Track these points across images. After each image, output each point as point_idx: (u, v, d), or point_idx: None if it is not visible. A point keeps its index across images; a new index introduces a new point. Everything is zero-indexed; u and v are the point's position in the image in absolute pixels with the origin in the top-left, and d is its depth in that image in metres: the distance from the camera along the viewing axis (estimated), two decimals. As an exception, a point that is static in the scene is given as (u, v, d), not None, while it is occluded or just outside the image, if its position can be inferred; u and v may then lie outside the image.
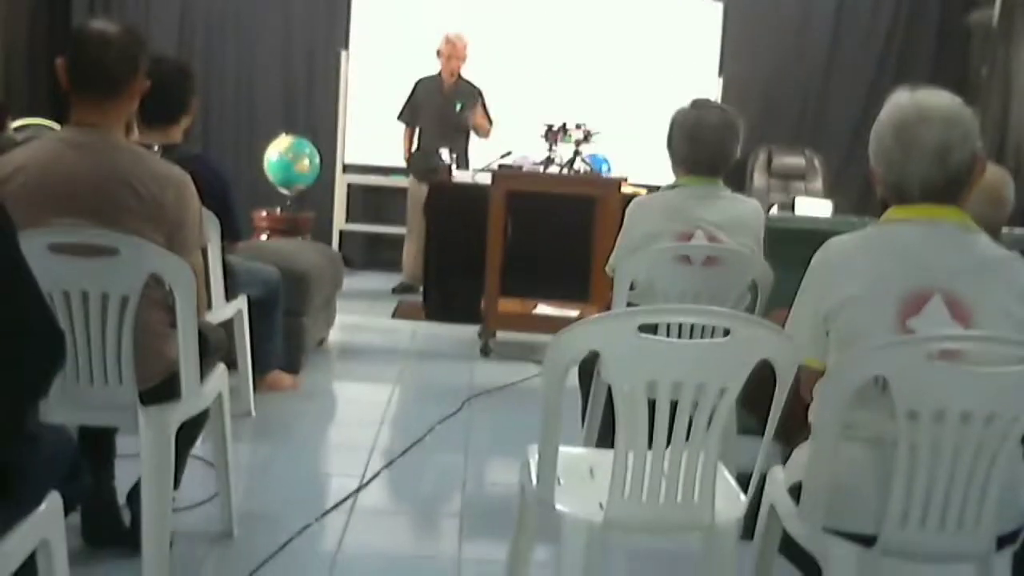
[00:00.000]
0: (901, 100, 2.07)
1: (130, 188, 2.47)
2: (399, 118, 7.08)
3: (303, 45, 8.14)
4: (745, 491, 2.18)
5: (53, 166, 2.47)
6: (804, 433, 2.09)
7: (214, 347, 2.82)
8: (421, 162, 6.93)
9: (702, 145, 3.20)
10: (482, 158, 6.50)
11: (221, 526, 3.03)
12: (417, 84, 7.03)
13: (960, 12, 7.94)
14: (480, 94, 7.00)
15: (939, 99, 2.05)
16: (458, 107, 6.88)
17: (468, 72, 7.05)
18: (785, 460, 2.24)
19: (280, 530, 3.07)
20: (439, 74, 6.98)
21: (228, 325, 3.90)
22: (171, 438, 2.57)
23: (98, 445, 2.85)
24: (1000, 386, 1.87)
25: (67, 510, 1.93)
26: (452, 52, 6.89)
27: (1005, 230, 3.04)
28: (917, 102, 2.05)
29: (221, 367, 2.90)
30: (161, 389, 2.56)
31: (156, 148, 3.24)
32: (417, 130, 7.06)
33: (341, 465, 3.86)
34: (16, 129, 5.08)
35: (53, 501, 1.89)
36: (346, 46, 7.91)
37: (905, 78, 2.25)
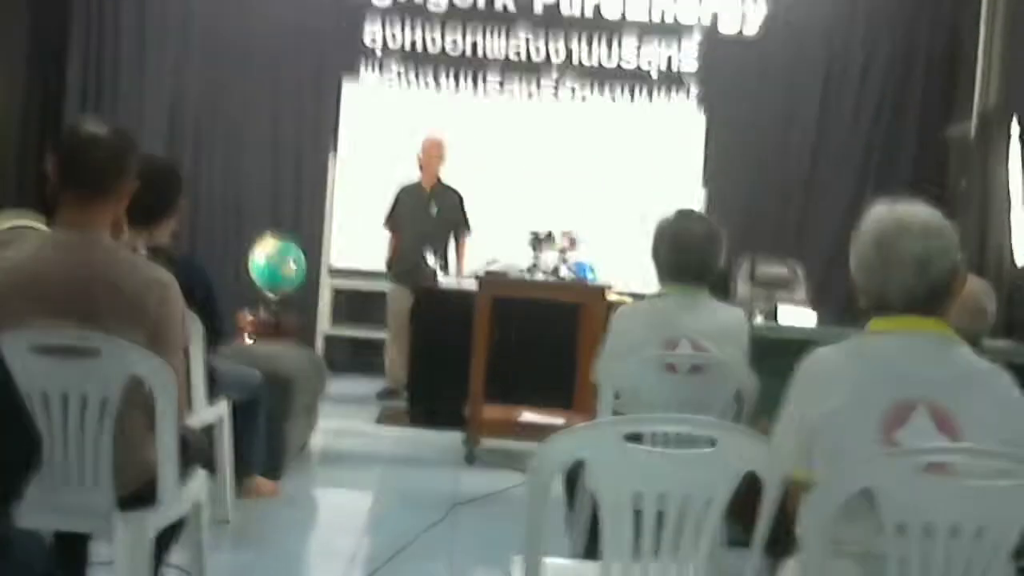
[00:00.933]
0: (881, 213, 2.10)
1: (114, 289, 2.46)
2: (384, 224, 7.15)
3: (292, 147, 8.19)
4: (733, 605, 2.14)
5: (35, 266, 2.47)
6: (793, 546, 2.06)
7: (194, 451, 2.78)
8: (401, 267, 6.98)
9: (687, 254, 3.23)
10: (468, 265, 6.54)
11: (196, 637, 2.95)
12: (400, 191, 7.11)
13: (938, 126, 8.11)
14: (460, 198, 7.07)
15: (918, 212, 2.08)
16: (435, 210, 6.94)
17: (455, 179, 7.13)
18: (772, 575, 2.20)
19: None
20: (419, 181, 7.07)
21: (209, 429, 3.86)
22: (148, 545, 2.51)
23: (72, 552, 2.78)
24: (989, 499, 1.86)
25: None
26: (427, 149, 6.98)
27: (987, 341, 3.05)
28: (896, 215, 2.07)
29: (201, 472, 2.86)
30: (139, 495, 2.51)
31: (143, 251, 3.25)
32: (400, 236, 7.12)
33: (322, 574, 3.77)
34: (3, 230, 5.07)
35: (23, 610, 1.84)
36: (335, 149, 8.01)
37: (885, 190, 2.28)
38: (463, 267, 6.99)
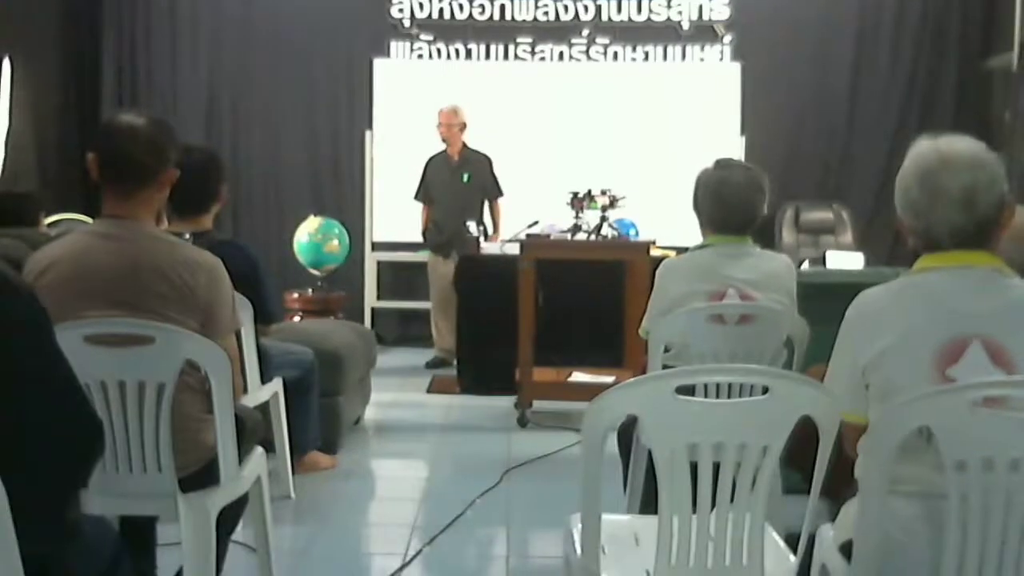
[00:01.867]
0: (923, 149, 2.07)
1: (162, 276, 2.49)
2: (415, 198, 7.17)
3: (328, 127, 8.28)
4: (794, 552, 2.14)
5: (85, 258, 2.50)
6: (851, 489, 2.05)
7: (251, 431, 2.82)
8: (435, 236, 7.01)
9: (729, 204, 3.20)
10: (510, 229, 6.54)
11: (265, 611, 3.01)
12: (428, 162, 7.13)
13: (978, 58, 7.96)
14: (489, 161, 7.06)
15: (962, 145, 2.04)
16: (465, 177, 6.94)
17: (491, 146, 7.12)
18: (833, 518, 2.19)
19: (324, 613, 3.04)
20: (445, 151, 7.06)
21: (264, 408, 3.90)
22: (212, 524, 2.56)
23: (139, 534, 2.83)
24: (1049, 431, 1.83)
25: (111, 601, 1.92)
26: (446, 120, 6.98)
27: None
28: (939, 149, 2.04)
29: (259, 450, 2.90)
30: (200, 475, 2.56)
31: (187, 236, 3.28)
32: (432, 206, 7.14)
33: (382, 544, 3.83)
34: (49, 225, 5.16)
35: (96, 593, 1.88)
36: (370, 126, 8.02)
37: (927, 126, 2.25)
38: (499, 230, 6.99)
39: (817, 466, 2.00)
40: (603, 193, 5.60)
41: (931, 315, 2.00)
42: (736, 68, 7.98)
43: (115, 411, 2.47)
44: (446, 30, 8.08)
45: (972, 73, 8.01)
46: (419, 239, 7.37)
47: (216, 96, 8.23)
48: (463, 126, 7.00)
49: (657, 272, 3.30)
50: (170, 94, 8.15)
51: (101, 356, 2.44)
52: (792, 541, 2.15)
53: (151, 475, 2.50)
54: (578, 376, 5.73)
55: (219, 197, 3.69)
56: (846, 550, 2.02)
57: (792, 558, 2.14)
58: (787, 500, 2.81)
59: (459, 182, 6.96)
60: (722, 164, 3.29)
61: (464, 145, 7.03)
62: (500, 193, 7.09)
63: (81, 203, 6.48)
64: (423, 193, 7.15)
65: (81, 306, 2.45)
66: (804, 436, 1.97)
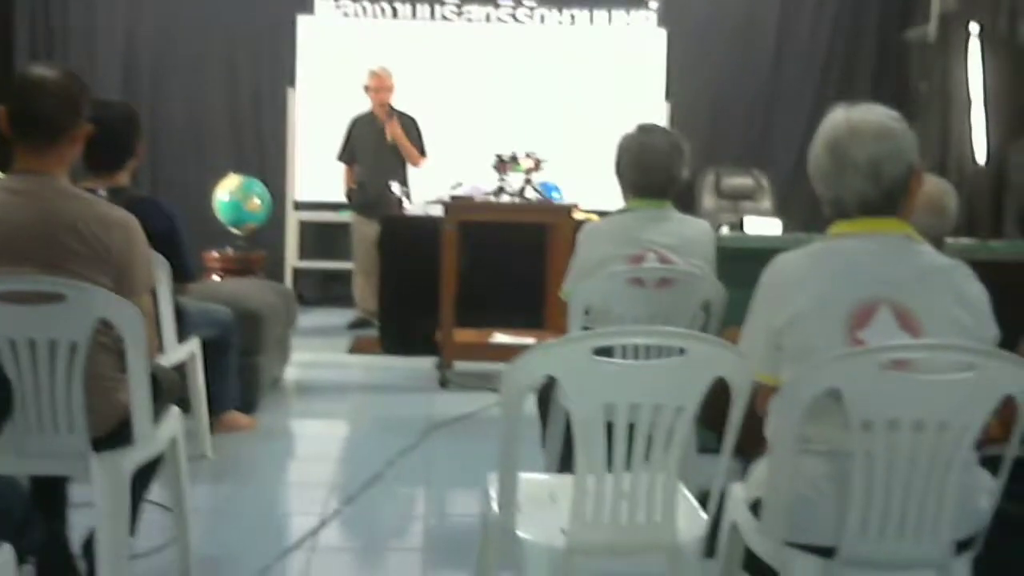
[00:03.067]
0: (836, 118, 2.11)
1: (75, 232, 2.44)
2: (338, 158, 7.10)
3: (249, 84, 8.15)
4: (706, 509, 2.18)
5: (-6, 214, 2.44)
6: (762, 449, 2.10)
7: (167, 390, 2.78)
8: (360, 197, 6.97)
9: (650, 169, 3.22)
10: (432, 190, 6.51)
11: (180, 571, 2.98)
12: (352, 122, 7.06)
13: (898, 29, 8.10)
14: (415, 123, 7.02)
15: (871, 114, 2.08)
16: (389, 139, 6.88)
17: (415, 107, 7.06)
18: (744, 477, 2.25)
19: (240, 572, 3.04)
20: (371, 111, 6.99)
21: (182, 368, 3.86)
22: (126, 484, 2.53)
23: (50, 495, 2.79)
24: (951, 393, 1.89)
25: (20, 562, 1.89)
26: (379, 85, 6.90)
27: (949, 240, 3.09)
28: (849, 119, 2.08)
29: (175, 410, 2.87)
30: (114, 435, 2.52)
31: (102, 192, 3.21)
32: (356, 167, 7.07)
33: (301, 504, 3.82)
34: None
35: (5, 553, 1.85)
36: (293, 84, 7.91)
37: (846, 96, 2.28)
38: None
39: (729, 426, 2.04)
40: (527, 156, 5.60)
41: (843, 279, 2.04)
42: (662, 34, 8.02)
43: (25, 370, 2.42)
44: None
45: (891, 44, 8.16)
46: (342, 199, 7.30)
47: (135, 50, 8.02)
48: (391, 89, 6.94)
49: (578, 235, 3.32)
50: (86, 47, 7.92)
51: (11, 314, 2.38)
52: (705, 499, 2.19)
53: (63, 435, 2.46)
54: (499, 337, 5.75)
55: (135, 153, 3.62)
56: (756, 508, 2.08)
57: (704, 515, 2.18)
58: (701, 459, 2.86)
59: (384, 143, 6.90)
60: (644, 129, 3.30)
61: (390, 106, 6.96)
62: (424, 155, 7.05)
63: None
64: (347, 153, 7.09)
65: (-11, 262, 2.39)
66: (718, 397, 2.01)
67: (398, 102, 6.99)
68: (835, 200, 2.10)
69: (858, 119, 2.07)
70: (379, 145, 6.90)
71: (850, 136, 2.06)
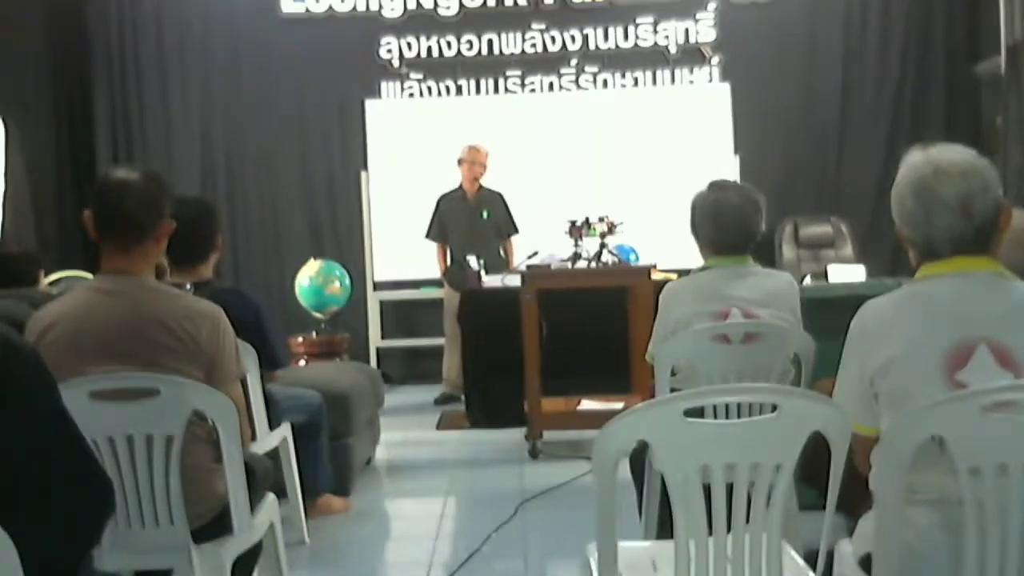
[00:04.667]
0: (916, 160, 2.07)
1: (164, 328, 2.49)
2: (428, 237, 7.17)
3: (323, 170, 8.30)
4: (814, 568, 2.12)
5: (87, 315, 2.51)
6: (867, 502, 2.04)
7: (262, 478, 2.81)
8: (458, 274, 7.00)
9: (725, 226, 3.20)
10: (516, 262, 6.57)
11: (285, 659, 2.98)
12: (440, 200, 7.14)
13: (966, 64, 7.99)
14: (503, 199, 7.09)
15: (953, 153, 2.05)
16: (485, 215, 6.96)
17: (487, 178, 7.15)
18: (851, 532, 2.18)
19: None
20: (460, 187, 7.07)
21: (274, 454, 3.89)
22: (227, 574, 2.55)
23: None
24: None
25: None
26: (475, 159, 7.02)
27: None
28: (931, 159, 2.05)
29: (271, 497, 2.89)
30: (213, 525, 2.55)
31: (188, 287, 3.29)
32: (448, 245, 7.14)
33: (400, 584, 3.80)
34: (50, 283, 5.17)
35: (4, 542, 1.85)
36: (365, 166, 8.05)
37: (918, 135, 2.26)
38: (511, 266, 6.99)
39: (831, 481, 1.99)
40: (601, 220, 5.60)
41: (936, 321, 1.99)
42: (726, 88, 8.02)
43: (124, 466, 2.46)
44: (435, 67, 8.14)
45: (961, 79, 8.04)
46: (420, 276, 7.36)
47: (210, 145, 8.25)
48: (486, 167, 7.05)
49: (660, 296, 3.30)
50: (164, 148, 8.17)
51: (107, 411, 2.43)
52: (811, 558, 2.13)
53: (163, 528, 2.49)
54: (587, 404, 5.71)
55: (216, 246, 3.71)
56: (866, 564, 2.01)
57: (812, 575, 2.12)
58: (804, 517, 2.79)
59: (478, 219, 6.98)
60: (717, 186, 3.29)
61: (480, 184, 7.06)
62: (515, 230, 7.13)
63: (81, 260, 6.49)
64: (436, 231, 7.16)
65: (85, 362, 2.45)
66: (817, 452, 1.96)
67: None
68: (925, 242, 2.06)
69: (940, 158, 2.04)
70: (472, 221, 6.98)
71: (935, 176, 2.02)
